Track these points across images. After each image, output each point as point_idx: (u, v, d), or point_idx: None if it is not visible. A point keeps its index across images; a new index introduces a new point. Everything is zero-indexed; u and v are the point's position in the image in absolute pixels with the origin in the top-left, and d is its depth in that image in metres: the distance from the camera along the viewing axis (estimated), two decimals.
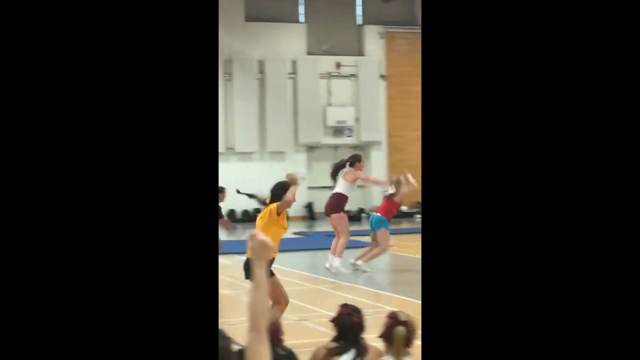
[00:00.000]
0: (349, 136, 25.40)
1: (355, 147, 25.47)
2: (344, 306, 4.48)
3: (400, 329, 4.22)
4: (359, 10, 25.94)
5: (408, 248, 15.13)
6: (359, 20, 25.94)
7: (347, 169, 12.92)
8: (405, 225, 22.08)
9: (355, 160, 12.98)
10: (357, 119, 25.35)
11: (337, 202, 12.71)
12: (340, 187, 12.74)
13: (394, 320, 4.26)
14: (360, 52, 25.80)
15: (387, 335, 4.24)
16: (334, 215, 12.72)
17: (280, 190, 8.12)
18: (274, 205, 8.07)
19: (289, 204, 8.05)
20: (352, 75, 25.49)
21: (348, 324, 4.38)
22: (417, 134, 26.45)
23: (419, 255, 13.84)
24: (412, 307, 9.89)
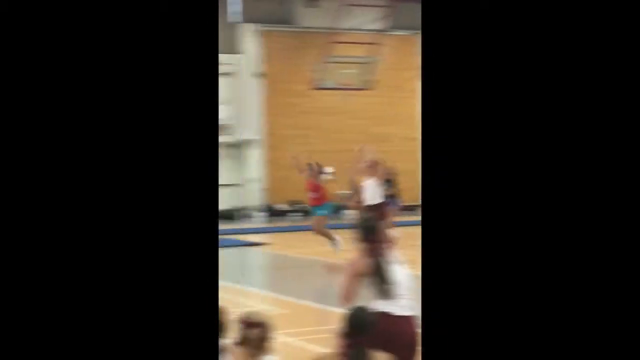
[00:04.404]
0: (227, 134, 25.38)
1: (233, 145, 25.50)
2: None
3: (254, 332, 4.22)
4: (236, 7, 25.90)
5: (282, 246, 15.27)
6: (236, 17, 25.90)
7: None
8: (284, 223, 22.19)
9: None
10: (234, 117, 25.33)
11: None
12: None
13: (246, 323, 4.27)
14: (236, 50, 25.79)
15: (241, 340, 4.25)
16: None
17: None
18: None
19: None
20: (229, 73, 25.45)
21: None
22: (293, 132, 26.83)
23: (292, 254, 13.98)
24: (284, 304, 9.98)
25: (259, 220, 24.45)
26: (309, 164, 14.76)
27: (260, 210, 25.07)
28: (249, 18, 25.78)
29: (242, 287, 11.51)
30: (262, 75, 25.77)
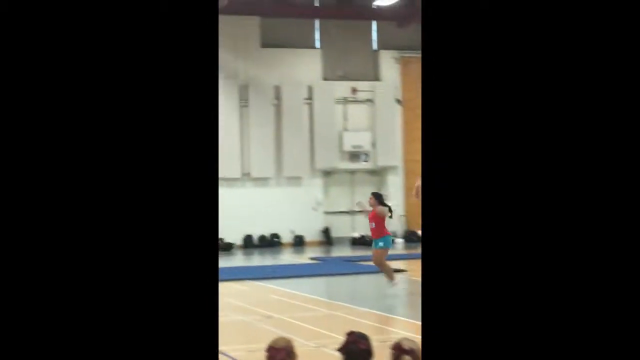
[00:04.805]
0: (365, 161, 25.44)
1: (372, 172, 25.54)
2: (351, 333, 4.51)
3: (406, 359, 4.24)
4: (374, 35, 26.06)
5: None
6: (374, 45, 26.05)
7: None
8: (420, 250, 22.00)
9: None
10: (373, 144, 25.40)
11: None
12: None
13: (398, 350, 4.28)
14: (375, 77, 25.89)
15: None
16: None
17: None
18: None
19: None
20: (368, 100, 25.57)
21: (355, 351, 4.39)
22: None
23: None
24: None
25: (398, 246, 24.35)
26: (373, 194, 14.54)
27: (400, 236, 24.98)
28: (387, 45, 25.90)
29: (383, 314, 11.50)
30: (401, 101, 25.78)
